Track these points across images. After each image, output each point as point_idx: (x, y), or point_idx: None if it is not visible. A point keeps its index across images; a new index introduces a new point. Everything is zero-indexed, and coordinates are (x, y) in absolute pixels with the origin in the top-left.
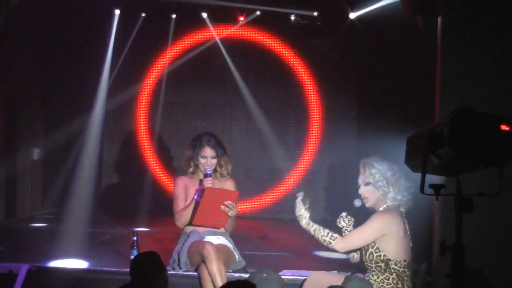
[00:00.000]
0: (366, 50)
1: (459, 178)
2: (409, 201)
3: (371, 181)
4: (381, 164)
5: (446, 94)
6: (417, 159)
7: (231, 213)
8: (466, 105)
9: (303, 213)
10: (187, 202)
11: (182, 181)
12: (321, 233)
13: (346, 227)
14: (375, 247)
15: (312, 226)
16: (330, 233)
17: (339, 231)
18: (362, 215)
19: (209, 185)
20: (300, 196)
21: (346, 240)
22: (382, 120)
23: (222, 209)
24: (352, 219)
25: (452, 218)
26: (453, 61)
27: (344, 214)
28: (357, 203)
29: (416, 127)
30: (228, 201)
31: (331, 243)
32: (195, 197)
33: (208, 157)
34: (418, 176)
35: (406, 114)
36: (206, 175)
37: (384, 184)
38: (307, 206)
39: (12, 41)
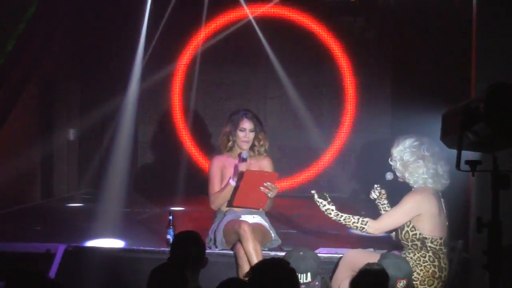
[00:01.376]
0: (401, 27)
1: (496, 154)
2: (437, 184)
3: (391, 160)
4: (404, 145)
5: (481, 69)
6: (452, 136)
7: (271, 194)
8: (502, 80)
9: (329, 207)
10: (223, 183)
11: (218, 161)
12: (352, 220)
13: (378, 199)
14: (411, 226)
15: (341, 216)
16: (361, 219)
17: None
18: (397, 188)
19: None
20: (315, 195)
21: (379, 223)
22: (417, 96)
23: (262, 190)
24: (384, 191)
25: (488, 195)
26: (489, 36)
27: (376, 186)
28: (389, 176)
29: (452, 104)
30: (268, 183)
31: (363, 228)
32: (230, 181)
33: (246, 130)
34: (453, 152)
35: (442, 90)
36: (242, 160)
37: (399, 165)
38: (329, 200)
39: (48, 23)
